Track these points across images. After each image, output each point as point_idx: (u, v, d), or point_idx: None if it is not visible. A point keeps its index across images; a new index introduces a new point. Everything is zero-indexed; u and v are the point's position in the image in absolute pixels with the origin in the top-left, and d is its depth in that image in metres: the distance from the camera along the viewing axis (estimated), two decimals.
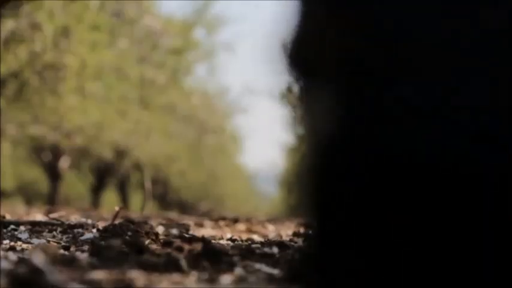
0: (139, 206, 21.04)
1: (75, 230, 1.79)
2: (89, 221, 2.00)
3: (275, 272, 1.06)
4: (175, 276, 0.98)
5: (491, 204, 0.88)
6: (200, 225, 2.65)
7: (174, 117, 15.82)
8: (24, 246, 1.49)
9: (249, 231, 2.62)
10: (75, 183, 21.35)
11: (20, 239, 1.62)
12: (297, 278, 0.96)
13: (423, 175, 0.84)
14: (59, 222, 1.87)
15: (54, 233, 1.77)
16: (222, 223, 2.77)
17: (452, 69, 0.86)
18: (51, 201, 14.27)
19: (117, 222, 1.75)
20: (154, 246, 1.33)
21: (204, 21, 15.14)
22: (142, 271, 0.99)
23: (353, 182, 0.87)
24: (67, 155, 14.72)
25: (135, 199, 23.14)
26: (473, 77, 0.88)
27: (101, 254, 1.09)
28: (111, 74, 10.23)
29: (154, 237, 1.56)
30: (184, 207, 26.09)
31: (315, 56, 0.98)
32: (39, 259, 0.88)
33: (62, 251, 1.28)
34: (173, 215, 6.99)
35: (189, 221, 2.89)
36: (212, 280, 0.97)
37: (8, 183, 19.93)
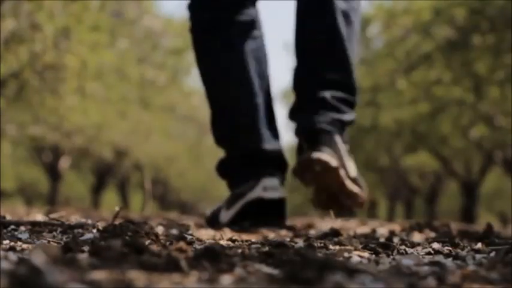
0: (140, 206, 21.04)
1: (75, 230, 1.79)
2: (89, 221, 2.00)
3: (275, 272, 1.06)
4: (176, 277, 0.98)
5: None
6: (200, 225, 2.65)
7: (174, 118, 15.83)
8: (24, 246, 1.49)
9: (249, 231, 2.62)
10: (75, 183, 21.37)
11: (20, 239, 1.61)
12: (297, 278, 0.96)
13: None
14: (59, 223, 1.87)
15: (54, 233, 1.77)
16: None
17: None
18: (51, 201, 14.27)
19: (117, 222, 1.75)
20: (154, 247, 1.33)
21: None
22: (142, 271, 0.99)
23: None
24: (67, 155, 14.73)
25: (135, 199, 23.15)
26: None
27: (101, 254, 1.09)
28: (111, 74, 10.23)
29: (154, 238, 1.56)
30: (185, 208, 26.10)
31: None
32: (39, 259, 0.88)
33: (61, 251, 1.28)
34: (173, 215, 6.99)
35: (189, 221, 2.89)
36: (212, 280, 0.97)
37: (8, 184, 19.93)
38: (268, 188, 2.30)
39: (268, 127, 2.37)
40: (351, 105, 2.25)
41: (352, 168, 2.19)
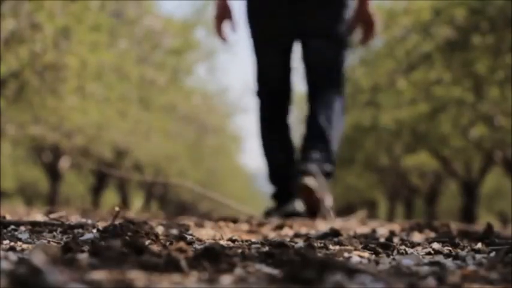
0: (140, 206, 21.01)
1: (75, 230, 1.79)
2: (89, 221, 2.00)
3: (275, 272, 1.06)
4: (176, 277, 0.99)
5: None
6: (200, 225, 2.65)
7: (174, 117, 15.83)
8: (24, 246, 1.49)
9: (249, 231, 2.62)
10: (75, 183, 21.37)
11: (20, 239, 1.62)
12: (297, 278, 0.96)
13: None
14: (59, 223, 1.87)
15: (54, 233, 1.77)
16: (222, 223, 2.77)
17: None
18: (51, 201, 14.28)
19: (117, 222, 1.75)
20: (154, 247, 1.33)
21: (204, 21, 15.15)
22: (142, 271, 0.99)
23: None
24: (67, 155, 14.73)
25: (135, 199, 23.15)
26: None
27: (101, 254, 1.09)
28: (111, 74, 10.23)
29: (154, 238, 1.56)
30: (184, 208, 26.09)
31: None
32: (39, 259, 0.88)
33: (61, 251, 1.28)
34: (173, 215, 6.98)
35: (189, 221, 2.89)
36: (212, 280, 0.97)
37: (8, 184, 19.92)
38: (297, 206, 3.75)
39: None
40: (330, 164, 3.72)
41: (328, 200, 3.62)
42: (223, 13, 3.84)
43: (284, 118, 3.88)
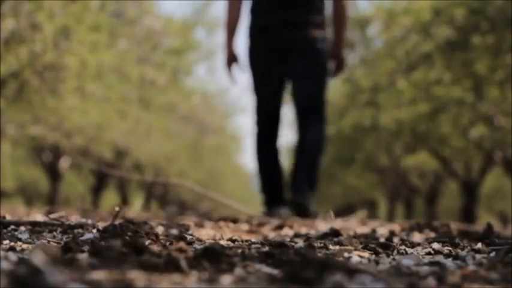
0: (140, 206, 21.01)
1: (75, 230, 1.79)
2: (89, 221, 2.00)
3: (275, 272, 1.06)
4: (176, 277, 0.98)
5: None
6: (200, 225, 2.65)
7: (174, 117, 15.83)
8: (24, 246, 1.49)
9: (249, 231, 2.62)
10: (75, 183, 21.37)
11: (20, 239, 1.62)
12: (297, 278, 0.96)
13: None
14: (59, 223, 1.87)
15: (54, 233, 1.77)
16: (222, 223, 2.77)
17: None
18: (51, 201, 14.28)
19: (117, 222, 1.75)
20: (154, 247, 1.33)
21: (204, 22, 15.15)
22: (142, 271, 0.99)
23: None
24: (67, 155, 14.72)
25: (135, 199, 23.15)
26: None
27: (101, 254, 1.09)
28: (111, 74, 10.23)
29: (154, 238, 1.56)
30: (184, 207, 26.08)
31: None
32: (39, 259, 0.88)
33: (61, 251, 1.28)
34: (173, 215, 6.98)
35: (189, 221, 2.89)
36: (212, 280, 0.97)
37: (8, 184, 19.92)
38: (283, 212, 4.29)
39: (282, 187, 4.61)
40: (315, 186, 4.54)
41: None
42: (232, 58, 4.65)
43: (274, 142, 4.69)
